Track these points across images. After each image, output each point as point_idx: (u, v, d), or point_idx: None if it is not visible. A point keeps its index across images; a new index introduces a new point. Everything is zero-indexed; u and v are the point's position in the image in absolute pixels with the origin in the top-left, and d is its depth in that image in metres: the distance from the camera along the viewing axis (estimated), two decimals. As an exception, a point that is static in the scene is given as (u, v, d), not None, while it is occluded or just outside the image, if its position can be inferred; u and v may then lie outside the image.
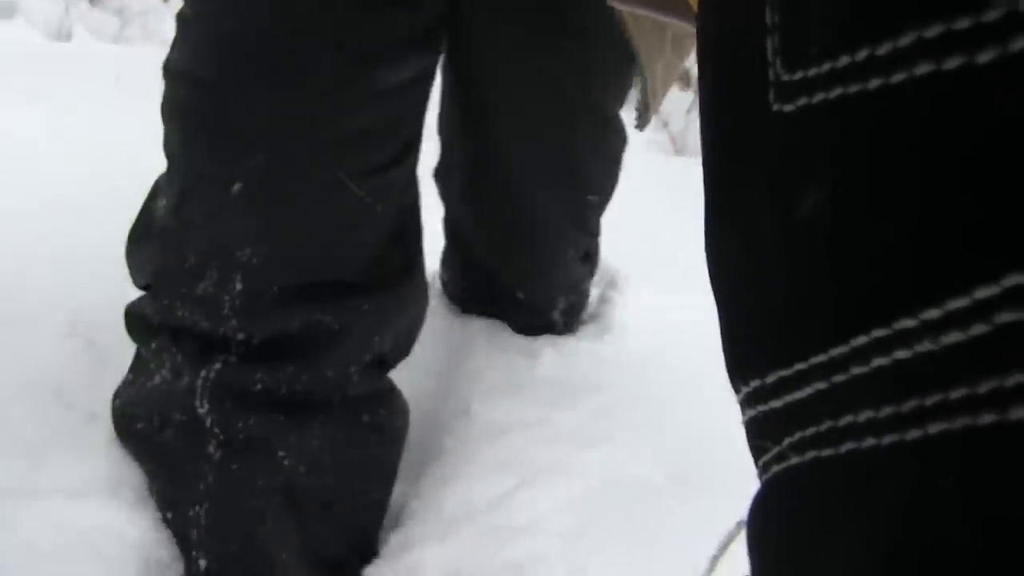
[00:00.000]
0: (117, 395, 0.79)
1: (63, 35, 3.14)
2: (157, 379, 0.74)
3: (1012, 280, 0.18)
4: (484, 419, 0.88)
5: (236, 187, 0.69)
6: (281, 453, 0.72)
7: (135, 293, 0.95)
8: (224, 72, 0.68)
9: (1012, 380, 0.18)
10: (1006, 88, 0.17)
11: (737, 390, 0.26)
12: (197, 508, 0.71)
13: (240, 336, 0.71)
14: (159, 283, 0.74)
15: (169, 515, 0.73)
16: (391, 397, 0.81)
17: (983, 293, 0.18)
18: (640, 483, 0.84)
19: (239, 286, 0.70)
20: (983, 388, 0.18)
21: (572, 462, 0.83)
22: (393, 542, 0.76)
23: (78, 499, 0.66)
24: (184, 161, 0.72)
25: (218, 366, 0.71)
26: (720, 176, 0.26)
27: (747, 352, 0.25)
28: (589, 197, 1.05)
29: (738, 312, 0.26)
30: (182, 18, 0.71)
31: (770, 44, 0.23)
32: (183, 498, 0.72)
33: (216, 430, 0.71)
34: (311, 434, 0.74)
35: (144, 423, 0.74)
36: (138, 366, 0.78)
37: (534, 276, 1.09)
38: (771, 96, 0.23)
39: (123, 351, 0.84)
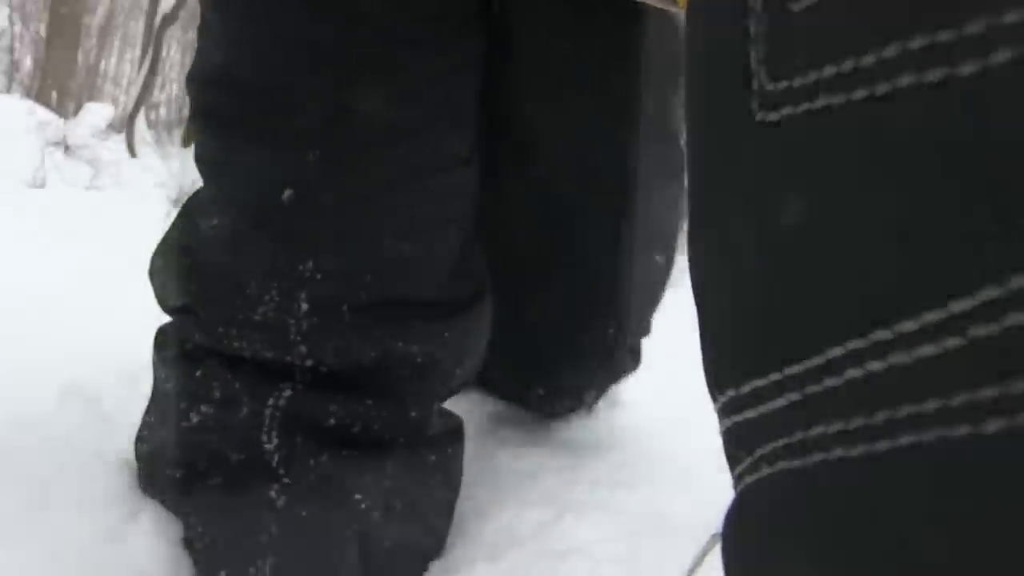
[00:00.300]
0: (142, 439, 0.69)
1: (37, 183, 3.16)
2: (195, 417, 0.65)
3: (987, 294, 0.18)
4: (512, 466, 0.84)
5: (288, 193, 0.62)
6: (358, 496, 0.63)
7: (129, 357, 0.91)
8: (261, 69, 0.63)
9: (985, 394, 0.18)
10: (986, 99, 0.18)
11: (714, 400, 0.26)
12: (260, 562, 0.61)
13: (308, 363, 0.63)
14: (207, 308, 0.66)
15: (223, 573, 0.62)
16: (459, 436, 0.73)
17: (958, 307, 0.18)
18: (679, 520, 0.79)
19: (305, 306, 0.62)
20: (956, 401, 0.18)
21: (609, 500, 0.79)
22: (436, 568, 0.70)
23: (96, 511, 0.61)
24: (226, 170, 0.66)
25: (288, 393, 0.62)
26: (702, 185, 0.26)
27: (724, 362, 0.25)
28: (657, 257, 0.83)
29: (716, 322, 0.26)
30: (206, 27, 0.67)
31: (754, 54, 0.23)
32: (241, 553, 0.62)
33: (281, 471, 0.62)
34: (385, 474, 0.65)
35: (185, 469, 0.64)
36: (163, 404, 0.69)
37: (564, 363, 0.86)
38: (754, 105, 0.23)
39: (126, 411, 0.80)
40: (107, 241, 1.96)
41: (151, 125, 5.21)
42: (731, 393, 0.24)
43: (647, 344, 1.36)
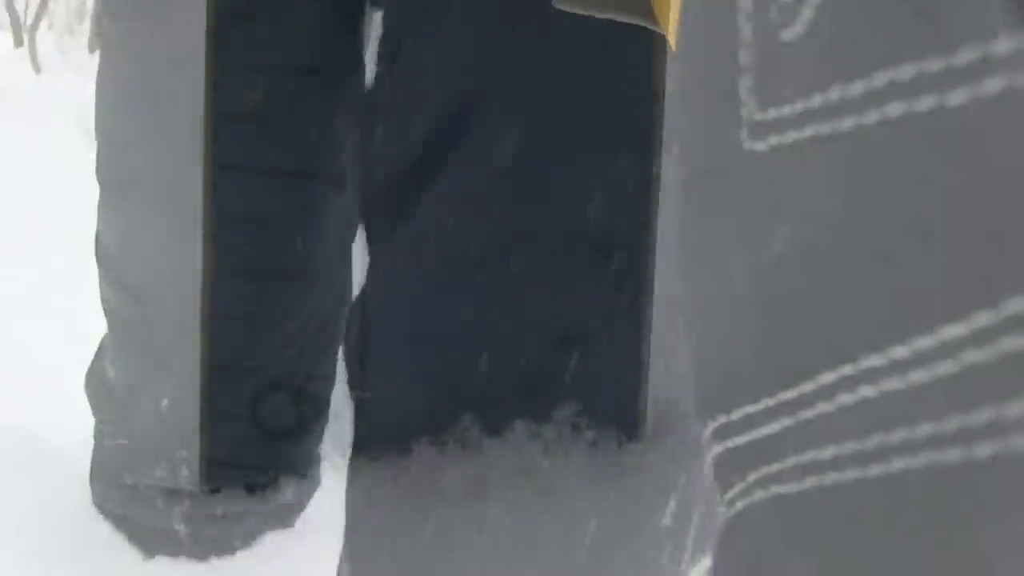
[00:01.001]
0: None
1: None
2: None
3: (979, 320, 0.18)
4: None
5: (164, 403, 0.73)
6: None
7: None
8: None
9: (977, 419, 0.18)
10: (976, 128, 0.18)
11: (704, 425, 0.26)
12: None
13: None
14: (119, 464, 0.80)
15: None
16: None
17: (949, 333, 0.18)
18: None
19: (187, 503, 0.78)
20: (949, 426, 0.18)
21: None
22: None
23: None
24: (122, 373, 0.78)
25: (187, 503, 0.78)
26: (693, 214, 0.26)
27: (714, 389, 0.25)
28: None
29: (707, 349, 0.26)
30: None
31: (743, 83, 0.23)
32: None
33: (188, 544, 0.80)
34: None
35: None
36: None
37: None
38: (744, 135, 0.23)
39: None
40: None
41: (51, 26, 4.86)
42: (722, 419, 0.25)
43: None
